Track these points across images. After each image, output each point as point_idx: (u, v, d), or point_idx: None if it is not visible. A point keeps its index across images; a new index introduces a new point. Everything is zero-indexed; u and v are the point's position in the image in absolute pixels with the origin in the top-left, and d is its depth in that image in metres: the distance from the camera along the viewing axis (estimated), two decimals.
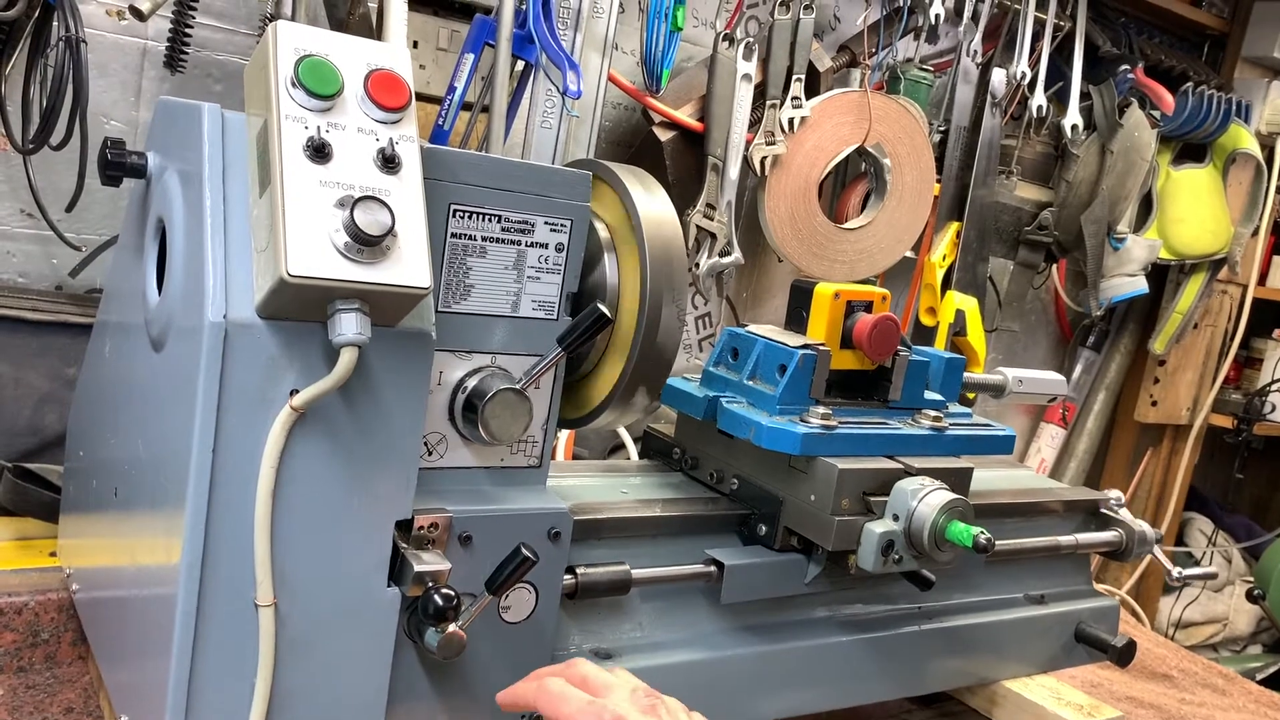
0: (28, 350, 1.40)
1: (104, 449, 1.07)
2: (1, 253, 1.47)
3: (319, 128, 0.78)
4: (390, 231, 0.77)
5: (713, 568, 1.08)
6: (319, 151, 0.78)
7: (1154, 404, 2.92)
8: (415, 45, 1.67)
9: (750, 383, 1.11)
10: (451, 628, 0.88)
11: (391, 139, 0.81)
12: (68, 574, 1.19)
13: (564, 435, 1.78)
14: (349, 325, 0.78)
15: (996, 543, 1.03)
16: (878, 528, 1.04)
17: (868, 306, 1.12)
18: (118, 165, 0.92)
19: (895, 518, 1.05)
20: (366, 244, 0.76)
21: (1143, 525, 1.44)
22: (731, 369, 1.15)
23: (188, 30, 1.44)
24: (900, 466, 1.08)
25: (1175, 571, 1.44)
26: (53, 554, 1.28)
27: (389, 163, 0.80)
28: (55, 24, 1.33)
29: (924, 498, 1.04)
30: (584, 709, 0.82)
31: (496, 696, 0.90)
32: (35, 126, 1.36)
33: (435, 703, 0.95)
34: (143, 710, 0.91)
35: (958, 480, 1.11)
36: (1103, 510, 1.45)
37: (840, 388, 1.13)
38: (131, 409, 0.97)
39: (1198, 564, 3.16)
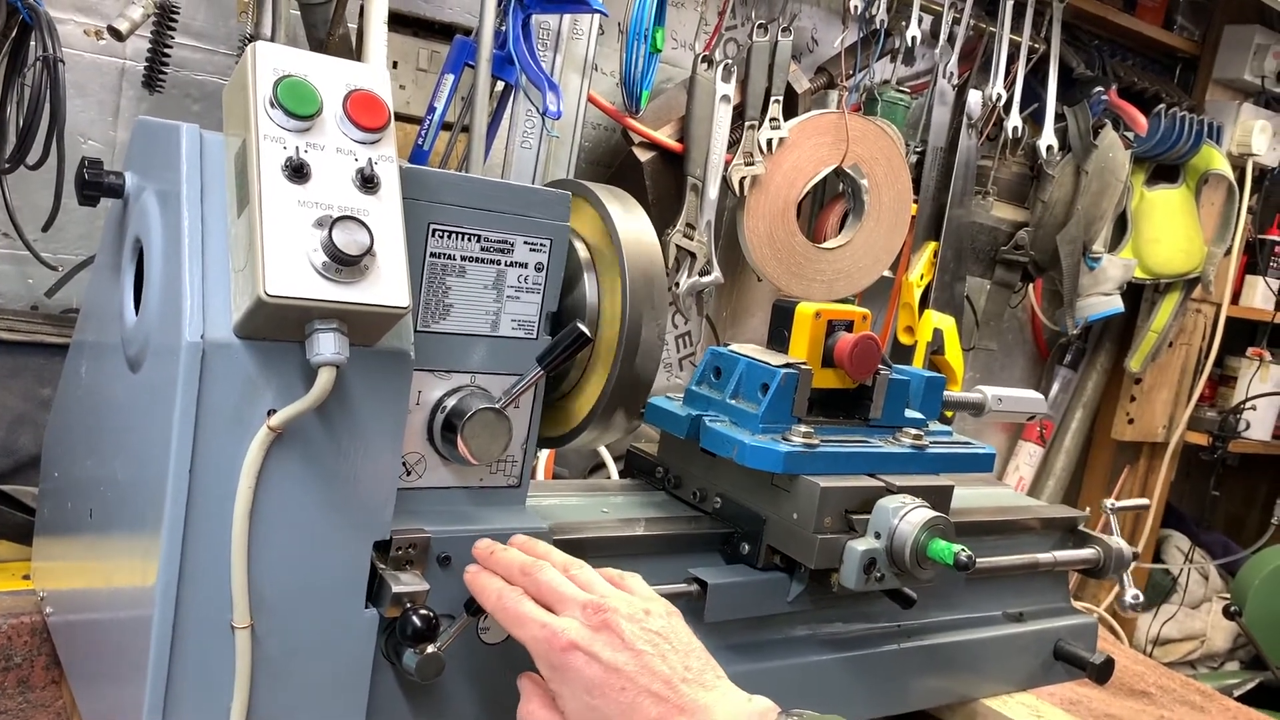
0: (2, 371, 1.38)
1: (79, 470, 1.06)
2: None
3: (298, 148, 0.78)
4: (369, 251, 0.77)
5: (695, 586, 1.07)
6: (298, 171, 0.78)
7: (1130, 422, 2.94)
8: (395, 66, 1.67)
9: (733, 401, 1.12)
10: (430, 649, 0.88)
11: (370, 159, 0.81)
12: (41, 597, 1.18)
13: (544, 455, 1.77)
14: (327, 345, 0.77)
15: (977, 560, 1.03)
16: (860, 545, 1.05)
17: (848, 326, 1.13)
18: (95, 185, 0.92)
19: (877, 535, 1.05)
20: (345, 264, 0.76)
21: (1120, 542, 1.44)
22: (714, 388, 1.15)
23: (166, 50, 1.44)
24: (882, 485, 1.09)
25: (1129, 598, 1.43)
26: (26, 577, 1.26)
27: (368, 183, 0.80)
28: (33, 43, 1.32)
29: (905, 515, 1.04)
30: (537, 635, 0.83)
31: (466, 573, 0.90)
32: (11, 146, 1.35)
33: None
34: None
35: (939, 498, 1.11)
36: (1081, 528, 1.45)
37: (822, 406, 1.14)
38: (108, 430, 0.97)
39: (1174, 580, 3.18)
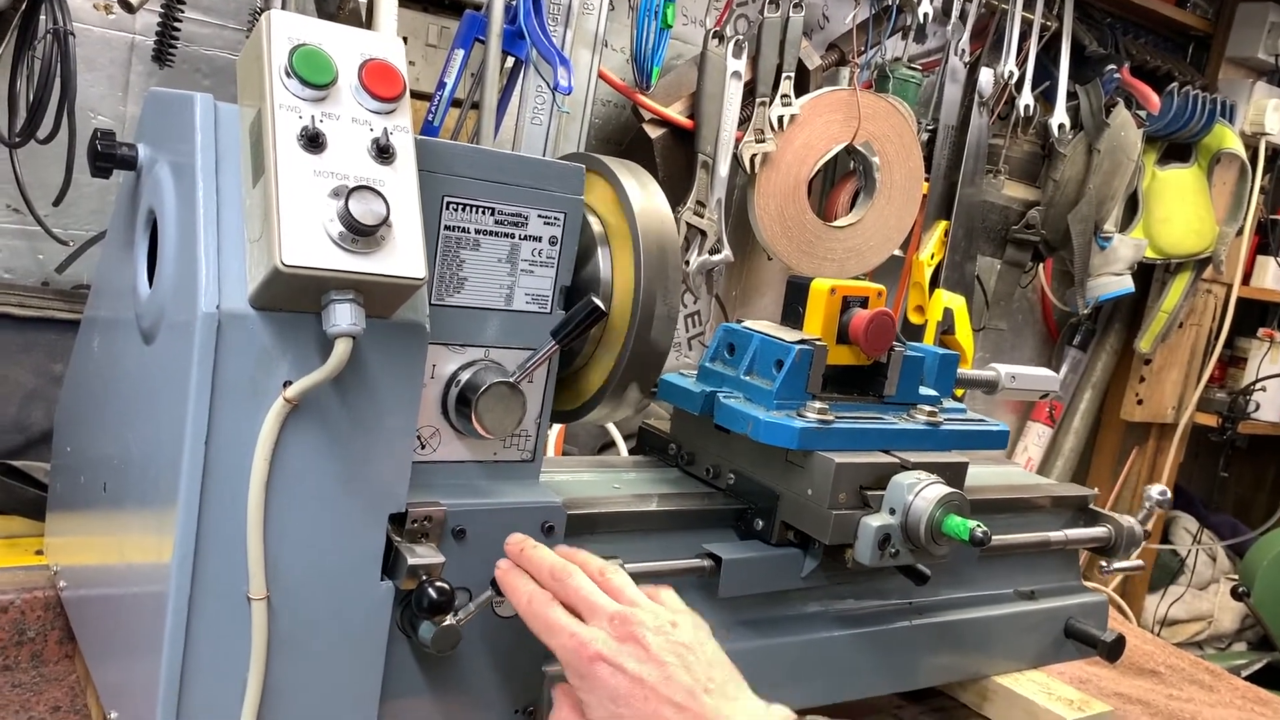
0: (13, 346, 1.38)
1: (92, 445, 1.06)
2: None
3: (313, 117, 0.78)
4: (385, 221, 0.77)
5: (708, 562, 1.07)
6: (313, 141, 0.77)
7: (1140, 402, 2.94)
8: (405, 41, 1.66)
9: (747, 378, 1.11)
10: (448, 621, 0.88)
11: (386, 129, 0.80)
12: (55, 571, 1.18)
13: (554, 432, 1.77)
14: (343, 316, 0.77)
15: (991, 537, 1.03)
16: (874, 521, 1.04)
17: (863, 302, 1.12)
18: (108, 157, 0.91)
19: (892, 511, 1.05)
20: (361, 234, 0.76)
21: (1130, 521, 1.44)
22: (728, 364, 1.14)
23: (176, 24, 1.43)
24: (896, 461, 1.08)
25: (1155, 493, 1.41)
26: (39, 552, 1.27)
27: (383, 153, 0.80)
28: (43, 16, 1.31)
29: (920, 491, 1.04)
30: (565, 644, 0.84)
31: (497, 569, 0.90)
32: (22, 120, 1.35)
33: (428, 697, 0.94)
34: (133, 708, 0.90)
35: (953, 475, 1.11)
36: (1091, 507, 1.45)
37: (836, 383, 1.13)
38: (121, 404, 0.96)
39: (1182, 562, 3.18)
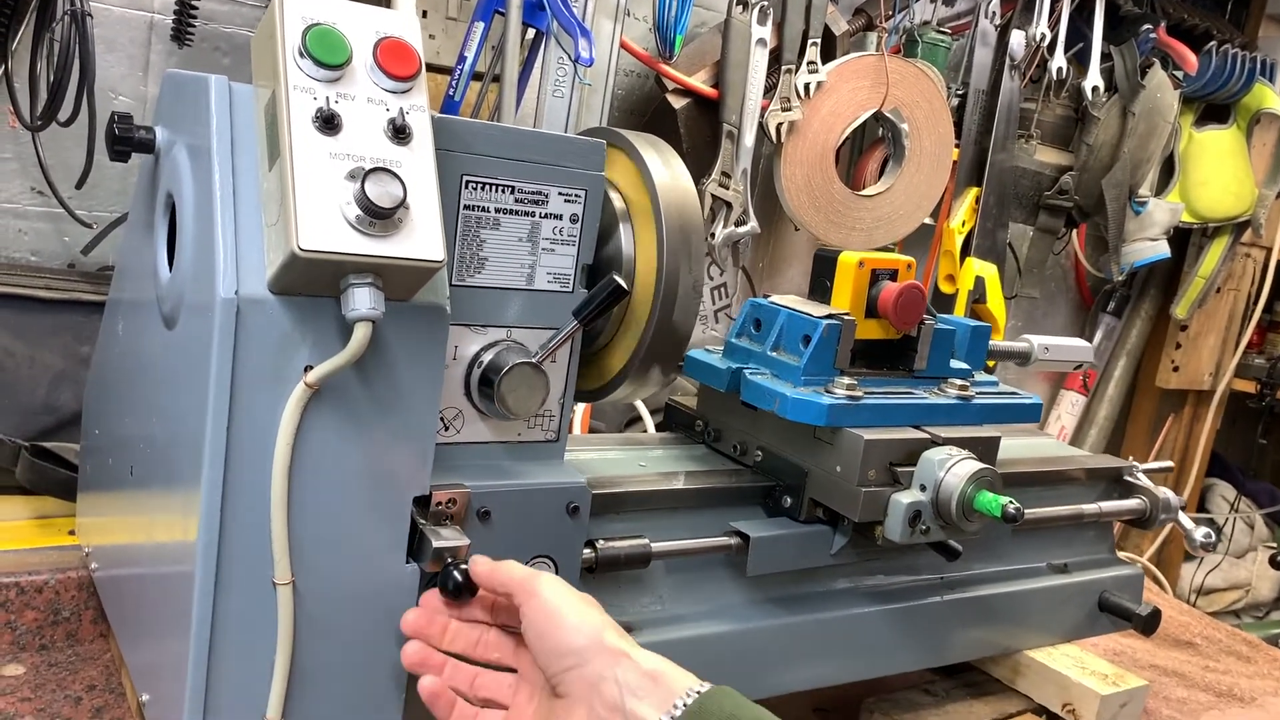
0: (42, 329, 1.39)
1: (119, 427, 1.06)
2: (13, 231, 1.46)
3: (328, 98, 0.77)
4: (402, 203, 0.76)
5: (736, 539, 1.06)
6: (328, 123, 0.76)
7: (1176, 369, 2.89)
8: (425, 14, 1.65)
9: (774, 354, 1.10)
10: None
11: (402, 109, 0.79)
12: (87, 553, 1.19)
13: (580, 408, 1.76)
14: (362, 300, 0.76)
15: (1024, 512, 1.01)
16: (905, 498, 1.03)
17: (893, 275, 1.10)
18: (125, 140, 0.91)
19: (922, 488, 1.03)
20: (378, 217, 0.75)
21: (1166, 492, 1.42)
22: (754, 340, 1.13)
23: (194, 3, 1.42)
24: (927, 436, 1.07)
25: (1199, 536, 1.42)
26: (72, 532, 1.28)
27: (400, 133, 0.78)
28: None
29: (952, 467, 1.02)
30: None
31: (499, 568, 0.86)
32: (43, 102, 1.34)
33: None
34: (163, 689, 0.90)
35: (985, 449, 1.09)
36: (1126, 478, 1.43)
37: (864, 357, 1.11)
38: (145, 387, 0.97)
39: (1219, 530, 3.14)
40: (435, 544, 0.86)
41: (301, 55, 0.76)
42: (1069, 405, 2.84)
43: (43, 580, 1.16)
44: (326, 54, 0.77)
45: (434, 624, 0.87)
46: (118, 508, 1.07)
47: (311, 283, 0.77)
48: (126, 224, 1.11)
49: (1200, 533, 1.41)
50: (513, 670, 0.87)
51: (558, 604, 0.82)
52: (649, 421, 1.83)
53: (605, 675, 0.79)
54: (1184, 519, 1.43)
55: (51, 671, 1.12)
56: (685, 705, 0.77)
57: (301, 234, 0.73)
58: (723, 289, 2.13)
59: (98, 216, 1.48)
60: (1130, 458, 1.50)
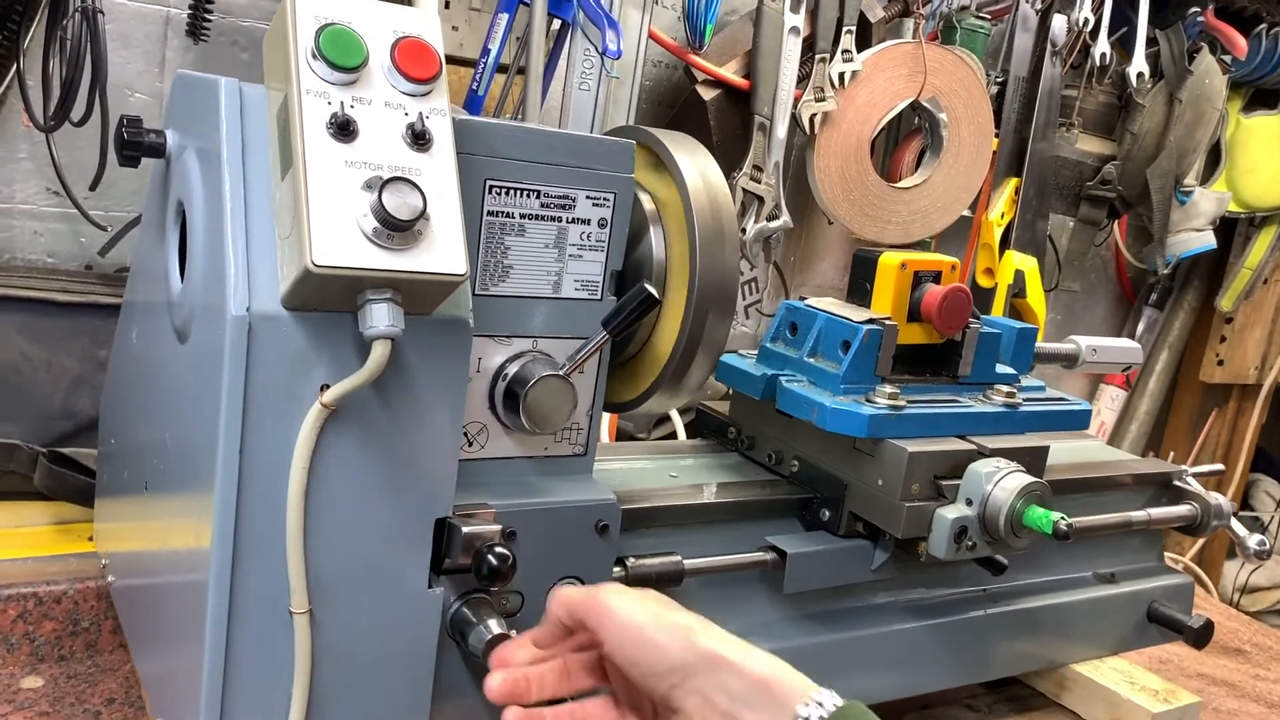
0: (59, 333, 1.36)
1: (134, 437, 1.03)
2: (29, 233, 1.43)
3: (342, 103, 0.73)
4: (422, 215, 0.71)
5: (772, 555, 1.02)
6: (343, 129, 0.72)
7: (1220, 363, 2.81)
8: (447, 6, 1.60)
9: (811, 360, 1.05)
10: (497, 630, 0.84)
11: (421, 113, 0.75)
12: (104, 564, 1.17)
13: (607, 415, 1.72)
14: (380, 317, 0.72)
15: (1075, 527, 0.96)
16: (950, 513, 0.98)
17: (936, 277, 1.05)
18: (134, 145, 0.87)
19: (969, 502, 0.99)
20: (396, 229, 0.71)
21: (1218, 498, 1.37)
22: (790, 345, 1.08)
23: None
24: (973, 448, 1.02)
25: (1253, 544, 1.36)
26: (91, 538, 1.26)
27: (419, 139, 0.74)
28: None
29: (1000, 481, 0.98)
30: None
31: (559, 598, 0.81)
32: (55, 102, 1.31)
33: (479, 703, 0.90)
34: (178, 714, 0.87)
35: (1033, 460, 1.04)
36: (1175, 483, 1.37)
37: (906, 363, 1.07)
38: (158, 400, 0.93)
39: (1264, 528, 3.07)
40: (465, 530, 0.82)
41: (315, 57, 0.72)
42: (1109, 400, 2.77)
43: (61, 590, 1.14)
44: (341, 55, 0.72)
45: (519, 682, 0.80)
46: (133, 519, 1.04)
47: (327, 299, 0.73)
48: (140, 226, 1.08)
49: (1254, 540, 1.35)
50: (608, 685, 0.82)
51: (639, 621, 0.76)
52: (679, 425, 1.79)
53: (711, 685, 0.74)
54: (1236, 525, 1.38)
55: (70, 684, 1.10)
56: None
57: (315, 248, 0.69)
58: (754, 284, 2.08)
59: (114, 217, 1.45)
60: (1172, 454, 1.44)
